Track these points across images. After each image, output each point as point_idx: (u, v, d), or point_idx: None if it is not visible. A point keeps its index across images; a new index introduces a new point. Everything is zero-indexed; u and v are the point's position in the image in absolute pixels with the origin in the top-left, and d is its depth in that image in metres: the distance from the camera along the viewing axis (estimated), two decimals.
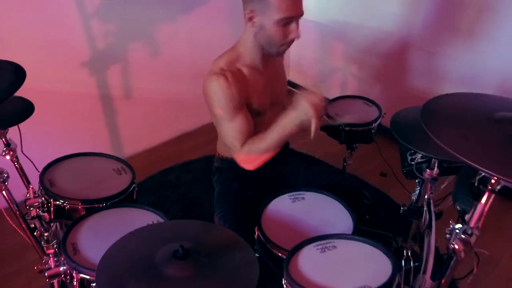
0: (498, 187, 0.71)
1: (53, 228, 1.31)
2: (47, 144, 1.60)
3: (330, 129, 1.69)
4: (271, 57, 1.31)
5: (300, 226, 1.14)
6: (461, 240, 0.78)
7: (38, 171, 1.33)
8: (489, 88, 2.03)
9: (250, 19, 1.19)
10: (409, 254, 1.41)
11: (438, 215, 1.39)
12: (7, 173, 1.09)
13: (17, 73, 0.90)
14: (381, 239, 1.07)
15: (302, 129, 1.16)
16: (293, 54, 2.94)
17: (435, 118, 0.68)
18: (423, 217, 1.27)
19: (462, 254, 0.78)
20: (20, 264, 1.79)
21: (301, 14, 1.19)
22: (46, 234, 1.27)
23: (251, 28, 1.21)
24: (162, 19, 2.24)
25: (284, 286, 0.89)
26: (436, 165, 1.17)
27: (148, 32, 2.23)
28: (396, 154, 1.50)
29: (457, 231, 0.79)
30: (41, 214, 1.25)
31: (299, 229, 1.13)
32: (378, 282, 0.81)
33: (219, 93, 1.18)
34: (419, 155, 1.29)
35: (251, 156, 1.25)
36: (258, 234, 1.13)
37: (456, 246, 0.78)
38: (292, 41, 1.22)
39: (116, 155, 1.43)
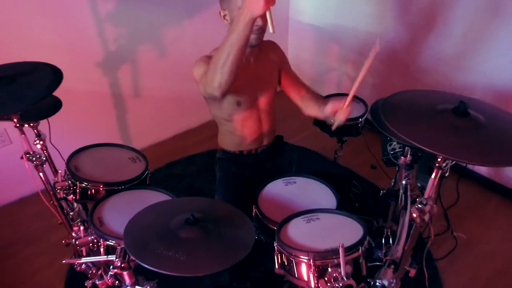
0: (444, 164, 0.89)
1: (77, 208, 1.50)
2: (68, 135, 1.77)
3: (321, 124, 1.87)
4: (260, 56, 1.46)
5: (291, 205, 1.33)
6: (417, 208, 0.96)
7: (63, 159, 1.52)
8: (471, 81, 2.20)
9: (224, 17, 1.35)
10: (389, 232, 1.61)
11: (414, 201, 1.57)
12: (45, 157, 1.27)
13: (55, 74, 1.09)
14: (366, 222, 1.24)
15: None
16: (291, 54, 3.11)
17: (392, 110, 0.86)
18: (399, 199, 1.45)
19: (418, 220, 0.96)
20: (43, 246, 1.97)
21: None
22: (71, 213, 1.46)
23: (228, 25, 1.36)
24: (169, 23, 2.41)
25: (276, 248, 1.08)
26: (409, 153, 1.35)
27: (156, 35, 2.39)
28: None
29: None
30: (67, 196, 1.44)
31: (290, 207, 1.31)
32: (351, 242, 1.00)
33: (200, 61, 1.37)
34: (397, 146, 1.48)
35: (216, 73, 1.22)
36: (255, 211, 1.32)
37: (414, 215, 0.96)
38: (259, 29, 1.29)
39: None
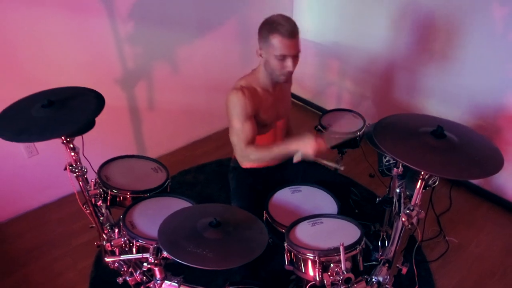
0: (426, 177, 1.08)
1: (105, 214, 1.67)
2: (92, 147, 1.95)
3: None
4: (279, 82, 1.67)
5: (297, 210, 1.51)
6: (406, 214, 1.14)
7: (94, 170, 1.70)
8: (458, 101, 2.39)
9: (260, 54, 1.56)
10: (385, 236, 1.78)
11: None
12: (86, 169, 1.45)
13: (98, 99, 1.27)
14: (363, 227, 1.42)
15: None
16: (295, 70, 3.30)
17: (382, 132, 1.04)
18: (393, 206, 1.63)
19: (406, 223, 1.14)
20: (66, 249, 2.15)
21: (296, 53, 1.49)
22: (101, 218, 1.63)
23: (261, 60, 1.58)
24: (182, 43, 2.61)
25: (285, 247, 1.26)
26: (400, 165, 1.53)
27: (170, 54, 2.59)
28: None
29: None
30: (96, 202, 1.62)
31: (297, 212, 1.49)
32: (350, 242, 1.18)
33: (237, 103, 1.55)
34: (389, 158, 1.66)
35: (250, 155, 1.59)
36: (266, 216, 1.49)
37: (403, 219, 1.14)
38: (287, 73, 1.53)
39: None
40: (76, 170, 1.37)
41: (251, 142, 1.60)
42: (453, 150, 0.97)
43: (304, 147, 1.45)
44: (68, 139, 1.29)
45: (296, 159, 1.50)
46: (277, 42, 1.46)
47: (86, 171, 1.42)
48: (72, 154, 1.51)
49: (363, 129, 2.03)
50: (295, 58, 1.52)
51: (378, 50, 2.71)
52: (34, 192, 2.36)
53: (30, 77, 2.05)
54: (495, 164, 0.94)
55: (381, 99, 2.86)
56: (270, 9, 3.00)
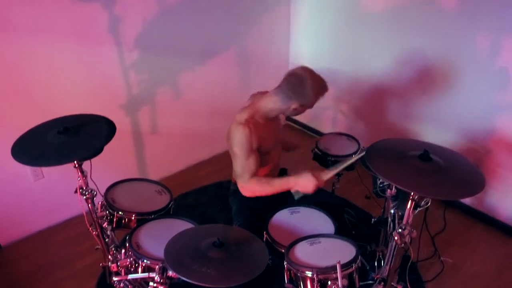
0: (416, 197, 1.16)
1: (110, 236, 1.73)
2: (96, 170, 2.03)
3: (320, 159, 2.14)
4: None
5: (296, 231, 1.57)
6: (398, 233, 1.21)
7: (100, 193, 1.77)
8: (449, 125, 2.49)
9: (295, 109, 1.66)
10: (380, 256, 1.84)
11: None
12: (96, 192, 1.52)
13: (110, 125, 1.36)
14: (360, 247, 1.48)
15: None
16: None
17: (374, 157, 1.13)
18: (388, 226, 1.69)
19: (399, 242, 1.21)
20: (70, 271, 2.18)
21: None
22: (106, 239, 1.69)
23: (282, 106, 1.66)
24: (184, 70, 2.72)
25: (285, 266, 1.32)
26: (393, 187, 1.60)
27: (173, 80, 2.70)
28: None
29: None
30: (102, 224, 1.68)
31: (295, 233, 1.56)
32: (346, 260, 1.25)
33: (243, 138, 1.61)
34: (383, 180, 1.74)
35: (253, 188, 1.70)
36: (266, 237, 1.56)
37: (395, 238, 1.21)
38: (294, 115, 1.73)
39: None
40: (86, 193, 1.44)
41: (255, 174, 1.69)
42: (439, 172, 1.06)
43: (303, 186, 1.61)
44: (79, 163, 1.37)
45: (297, 197, 1.64)
46: (310, 98, 1.64)
47: (96, 194, 1.49)
48: (82, 177, 1.59)
49: (358, 152, 2.12)
50: None
51: (371, 76, 2.84)
52: (39, 215, 2.41)
53: (40, 104, 2.15)
54: (477, 184, 1.02)
55: (375, 123, 2.96)
56: (268, 38, 3.15)
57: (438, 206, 2.61)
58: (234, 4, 2.79)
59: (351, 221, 2.44)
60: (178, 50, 2.64)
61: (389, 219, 1.71)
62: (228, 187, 2.01)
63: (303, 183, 1.60)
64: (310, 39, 3.19)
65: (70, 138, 1.29)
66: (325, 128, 3.34)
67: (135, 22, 2.36)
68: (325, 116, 3.35)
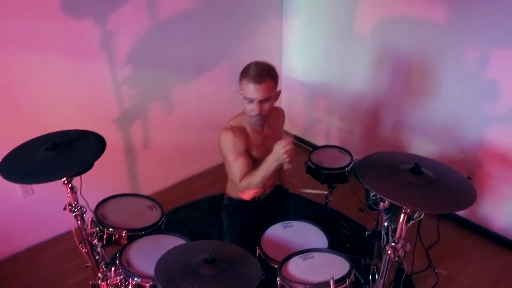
0: (408, 211, 1.15)
1: (101, 253, 1.70)
2: (87, 186, 2.00)
3: (313, 172, 2.14)
4: (269, 120, 1.76)
5: (289, 245, 1.56)
6: (391, 246, 1.21)
7: (90, 209, 1.74)
8: (440, 136, 2.51)
9: (240, 93, 1.65)
10: (375, 269, 1.83)
11: None
12: (85, 208, 1.50)
13: (99, 141, 1.35)
14: (354, 260, 1.47)
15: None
16: (284, 106, 3.40)
17: (365, 170, 1.13)
18: (382, 239, 1.68)
19: (392, 255, 1.20)
20: None
21: (261, 98, 1.57)
22: (96, 257, 1.66)
23: (240, 97, 1.66)
24: (177, 84, 2.73)
25: (278, 282, 1.30)
26: (386, 199, 1.60)
27: (165, 94, 2.70)
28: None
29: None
30: (92, 241, 1.65)
31: (289, 247, 1.54)
32: (340, 275, 1.23)
33: (228, 141, 1.65)
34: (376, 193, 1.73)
35: (248, 188, 1.71)
36: (259, 252, 1.54)
37: (389, 252, 1.20)
38: (254, 116, 1.63)
39: None
40: (75, 210, 1.42)
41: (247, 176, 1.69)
42: (430, 186, 1.06)
43: (279, 155, 1.56)
44: (68, 180, 1.35)
45: (286, 166, 1.64)
46: (244, 85, 1.59)
47: (85, 211, 1.47)
48: (71, 194, 1.56)
49: (351, 164, 2.12)
50: (262, 103, 1.60)
51: (363, 89, 2.86)
52: (28, 231, 2.37)
53: (31, 120, 2.13)
54: (468, 197, 1.02)
55: (368, 136, 2.98)
56: (261, 51, 3.17)
57: (431, 217, 2.61)
58: (226, 18, 2.82)
59: (345, 234, 2.43)
60: (171, 64, 2.64)
61: (382, 232, 1.70)
62: (221, 201, 2.00)
63: (276, 155, 1.57)
64: (302, 53, 3.22)
65: (59, 155, 1.28)
66: (318, 140, 3.34)
67: (127, 37, 2.36)
68: (318, 128, 3.36)
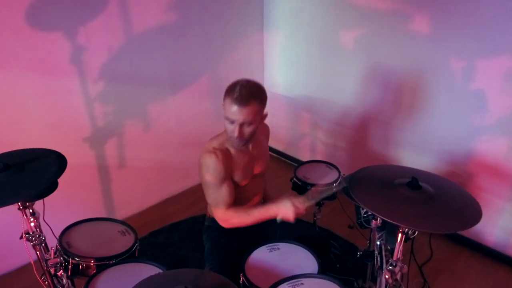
0: (406, 230, 1.04)
1: (66, 285, 1.52)
2: (55, 210, 1.82)
3: (300, 189, 2.02)
4: (254, 140, 1.61)
5: (276, 270, 1.42)
6: (389, 270, 1.08)
7: (55, 236, 1.57)
8: (430, 149, 2.44)
9: (223, 108, 1.50)
10: None
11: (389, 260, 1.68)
12: (44, 236, 1.33)
13: (60, 160, 1.20)
14: (347, 283, 1.35)
15: None
16: (267, 122, 3.33)
17: (357, 185, 1.01)
18: (375, 259, 1.56)
19: (390, 280, 1.08)
20: None
21: (243, 121, 1.43)
22: None
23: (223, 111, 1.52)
24: (154, 99, 2.60)
25: None
26: (379, 217, 1.49)
27: (142, 110, 2.56)
28: None
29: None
30: (57, 272, 1.47)
31: (275, 273, 1.40)
32: None
33: (211, 167, 1.49)
34: (367, 210, 1.62)
35: (231, 220, 1.57)
36: (242, 279, 1.39)
37: (386, 276, 1.08)
38: (234, 137, 1.47)
39: None
40: (33, 239, 1.25)
41: (230, 205, 1.55)
42: (430, 201, 0.95)
43: (284, 213, 1.49)
44: (26, 204, 1.19)
45: (279, 220, 1.52)
46: (227, 104, 1.45)
47: (44, 239, 1.30)
48: (31, 219, 1.40)
49: (339, 180, 2.01)
50: (244, 126, 1.46)
51: (348, 103, 2.79)
52: None
53: None
54: (474, 213, 0.91)
55: (355, 150, 2.89)
56: (242, 65, 3.08)
57: (422, 233, 2.51)
58: (204, 32, 2.73)
59: (335, 254, 2.30)
60: (147, 79, 2.52)
61: (375, 252, 1.58)
62: (202, 222, 1.85)
63: (283, 211, 1.49)
64: (284, 67, 3.15)
65: (12, 177, 1.12)
66: (303, 156, 3.24)
67: (99, 52, 2.24)
68: (303, 143, 3.27)
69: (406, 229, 1.03)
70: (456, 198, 1.01)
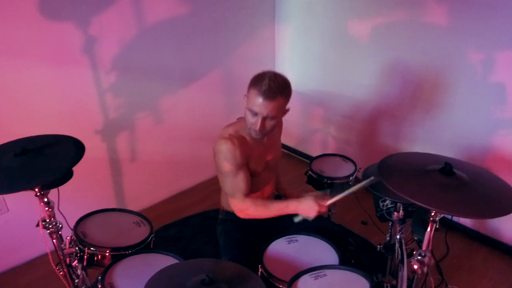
0: (437, 218, 1.00)
1: (81, 275, 1.50)
2: (68, 201, 1.81)
3: (315, 183, 1.98)
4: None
5: (296, 262, 1.38)
6: (418, 260, 1.04)
7: (69, 226, 1.55)
8: (445, 143, 2.39)
9: (245, 99, 1.49)
10: (389, 287, 1.66)
11: (410, 254, 1.64)
12: (62, 224, 1.30)
13: (78, 146, 1.18)
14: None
15: None
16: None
17: (388, 171, 0.98)
18: (396, 253, 1.52)
19: (419, 271, 1.04)
20: None
21: (266, 115, 1.40)
22: (76, 280, 1.46)
23: (244, 102, 1.49)
24: (165, 93, 2.57)
25: None
26: (401, 208, 1.45)
27: (153, 104, 2.54)
28: (373, 206, 1.77)
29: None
30: (71, 262, 1.45)
31: (295, 265, 1.37)
32: None
33: (228, 153, 1.46)
34: (388, 202, 1.58)
35: (248, 210, 1.52)
36: (261, 271, 1.36)
37: (415, 266, 1.04)
38: (254, 130, 1.44)
39: None
40: (50, 226, 1.22)
41: (247, 193, 1.51)
42: (465, 188, 0.91)
43: (306, 211, 1.43)
44: (42, 192, 1.16)
45: (297, 220, 1.47)
46: (252, 96, 1.41)
47: (61, 227, 1.28)
48: (46, 208, 1.37)
49: (355, 174, 1.98)
50: (267, 120, 1.43)
51: (361, 97, 2.75)
52: (1, 254, 2.14)
53: (4, 128, 1.93)
54: (510, 200, 0.87)
55: (368, 145, 2.85)
56: (253, 60, 3.05)
57: (438, 229, 2.46)
58: (217, 25, 2.70)
59: (350, 250, 2.26)
60: (159, 72, 2.49)
61: (396, 245, 1.55)
62: (214, 216, 1.82)
63: (305, 208, 1.43)
64: (296, 61, 3.11)
65: (29, 161, 1.09)
66: (314, 151, 3.19)
67: (112, 43, 2.21)
68: (315, 139, 3.23)
69: (437, 218, 0.99)
70: (491, 184, 0.97)
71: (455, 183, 0.93)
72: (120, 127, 2.43)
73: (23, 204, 2.11)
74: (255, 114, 1.42)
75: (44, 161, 1.10)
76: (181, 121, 2.72)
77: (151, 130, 2.57)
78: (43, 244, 2.13)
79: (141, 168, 2.61)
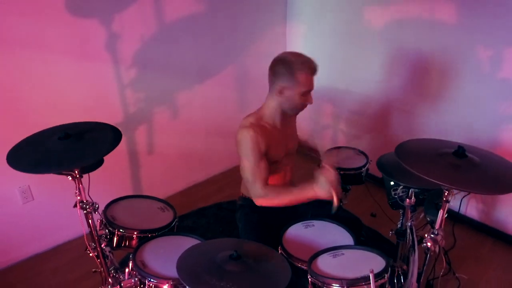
0: (450, 198, 1.08)
1: (110, 257, 1.58)
2: (92, 190, 1.90)
3: None
4: (287, 118, 1.69)
5: (313, 244, 1.47)
6: (431, 238, 1.13)
7: (97, 211, 1.63)
8: (453, 138, 2.45)
9: (280, 92, 1.56)
10: (400, 271, 1.73)
11: (419, 241, 1.72)
12: (98, 205, 1.39)
13: (115, 132, 1.27)
14: None
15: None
16: None
17: (406, 152, 1.06)
18: (407, 238, 1.60)
19: (433, 248, 1.12)
20: None
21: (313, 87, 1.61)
22: (106, 260, 1.55)
23: (278, 98, 1.58)
24: (182, 89, 2.67)
25: (309, 280, 1.20)
26: (413, 195, 1.53)
27: (170, 99, 2.63)
28: (383, 198, 1.85)
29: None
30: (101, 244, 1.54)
31: (313, 246, 1.45)
32: (377, 271, 1.14)
33: (249, 141, 1.52)
34: (400, 190, 1.66)
35: (267, 197, 1.56)
36: (281, 251, 1.44)
37: (429, 244, 1.12)
38: (305, 105, 1.63)
39: None
40: (87, 207, 1.31)
41: (267, 181, 1.58)
42: (477, 168, 0.99)
43: (324, 192, 1.44)
44: (80, 173, 1.25)
45: (333, 211, 1.46)
46: (303, 78, 1.53)
47: (98, 207, 1.37)
48: (82, 190, 1.46)
49: (367, 165, 2.05)
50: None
51: (371, 93, 2.82)
52: (27, 240, 2.24)
53: (31, 119, 2.03)
54: None
55: (377, 139, 2.92)
56: (265, 57, 3.11)
57: (445, 222, 2.54)
58: (232, 24, 2.79)
59: (360, 240, 2.33)
60: (176, 68, 2.59)
61: (407, 231, 1.62)
62: (228, 208, 1.90)
63: (320, 190, 1.45)
64: None
65: (72, 144, 1.18)
66: (325, 146, 3.27)
67: (133, 40, 2.31)
68: (325, 134, 3.30)
69: (450, 198, 1.07)
70: (501, 166, 1.05)
71: (468, 164, 1.02)
72: (139, 121, 2.52)
73: (48, 193, 2.21)
74: (309, 92, 1.58)
75: (85, 145, 1.19)
76: (196, 116, 2.82)
77: (167, 124, 2.66)
78: (66, 231, 2.24)
79: (157, 161, 2.69)
